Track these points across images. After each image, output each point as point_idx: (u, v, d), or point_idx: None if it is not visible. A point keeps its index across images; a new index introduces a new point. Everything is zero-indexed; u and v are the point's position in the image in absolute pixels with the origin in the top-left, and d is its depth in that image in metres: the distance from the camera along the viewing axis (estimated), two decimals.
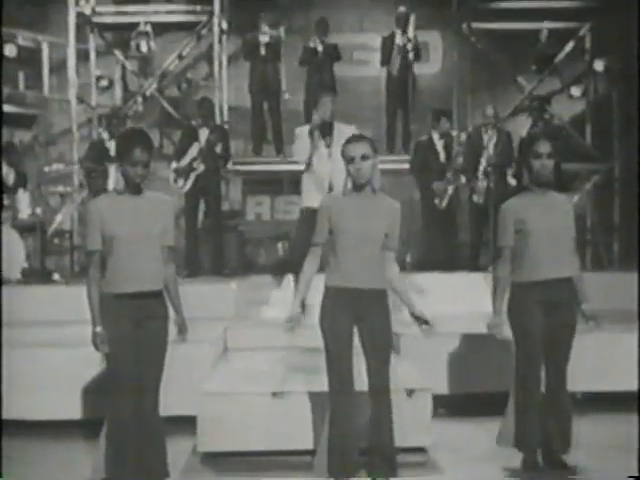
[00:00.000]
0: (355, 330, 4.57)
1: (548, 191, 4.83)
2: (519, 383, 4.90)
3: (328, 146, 7.02)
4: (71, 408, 5.89)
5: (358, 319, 4.54)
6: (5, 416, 5.41)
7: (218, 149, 8.88)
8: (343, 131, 7.01)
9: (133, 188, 4.35)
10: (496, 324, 4.85)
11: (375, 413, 4.55)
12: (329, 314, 4.54)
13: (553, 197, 4.86)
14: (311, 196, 6.97)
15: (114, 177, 4.16)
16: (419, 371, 5.66)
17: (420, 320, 4.60)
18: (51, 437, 5.79)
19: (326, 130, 7.07)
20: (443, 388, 6.23)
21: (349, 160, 4.48)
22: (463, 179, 9.23)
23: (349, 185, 4.55)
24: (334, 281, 4.54)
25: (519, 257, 4.83)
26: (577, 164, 10.73)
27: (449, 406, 6.16)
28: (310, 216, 6.98)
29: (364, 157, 4.45)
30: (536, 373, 4.82)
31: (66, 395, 5.87)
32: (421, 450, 5.21)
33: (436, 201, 9.20)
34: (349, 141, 4.55)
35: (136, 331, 4.34)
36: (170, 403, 5.65)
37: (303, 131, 7.18)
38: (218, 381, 5.68)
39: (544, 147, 4.75)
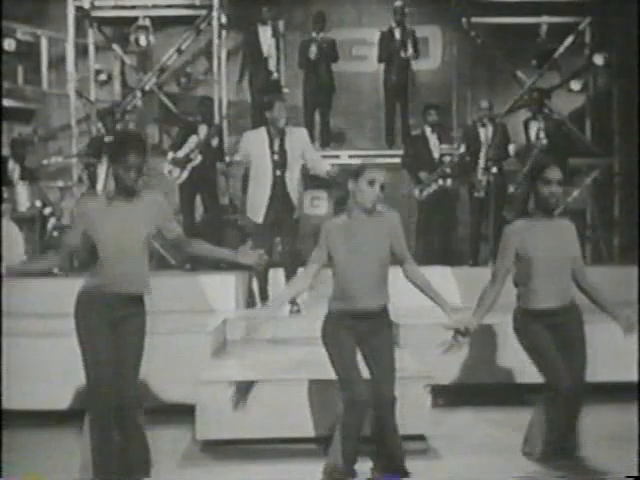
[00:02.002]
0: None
1: (553, 217, 4.79)
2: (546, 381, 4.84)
3: (280, 154, 7.01)
4: (71, 398, 5.88)
5: (360, 340, 4.52)
6: (5, 406, 5.40)
7: (215, 142, 8.93)
8: (295, 134, 7.10)
9: (125, 192, 4.30)
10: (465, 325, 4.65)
11: (380, 422, 4.52)
12: (331, 336, 4.53)
13: (558, 224, 4.82)
14: (258, 210, 7.07)
15: (103, 178, 4.09)
16: (418, 361, 5.66)
17: (456, 330, 4.61)
18: (51, 427, 5.79)
19: (278, 136, 7.05)
20: (442, 378, 6.22)
21: (370, 182, 4.41)
22: (448, 170, 9.24)
23: (353, 207, 4.49)
24: (336, 305, 4.53)
25: (522, 284, 4.83)
26: (577, 159, 10.68)
27: (448, 396, 6.16)
28: (260, 231, 7.08)
29: (382, 187, 4.42)
30: (558, 372, 4.72)
31: (66, 385, 5.86)
32: (421, 438, 5.23)
33: (416, 191, 9.24)
34: (370, 165, 4.51)
35: (113, 330, 4.31)
36: (170, 392, 5.69)
37: (251, 136, 7.19)
38: (216, 370, 5.69)
39: (554, 174, 4.68)
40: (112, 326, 4.31)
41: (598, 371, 6.05)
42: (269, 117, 7.06)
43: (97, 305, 4.29)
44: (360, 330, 4.50)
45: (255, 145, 7.13)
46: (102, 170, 4.04)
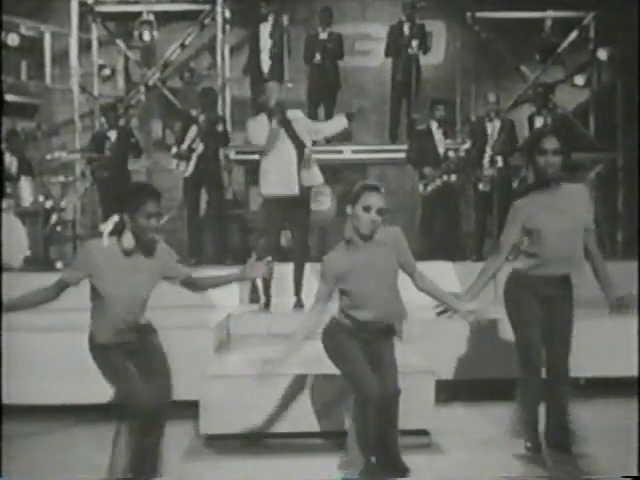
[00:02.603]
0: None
1: (559, 186, 4.68)
2: (521, 372, 4.89)
3: (286, 129, 6.97)
4: (70, 392, 5.88)
5: (367, 353, 4.45)
6: (5, 401, 5.40)
7: (219, 128, 8.94)
8: (294, 114, 7.10)
9: (145, 245, 4.20)
10: (469, 311, 4.58)
11: (383, 416, 4.45)
12: (334, 338, 4.47)
13: (565, 191, 4.70)
14: (272, 183, 6.96)
15: (108, 232, 4.00)
16: (422, 356, 5.66)
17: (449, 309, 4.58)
18: (50, 421, 5.80)
19: (280, 114, 6.99)
20: (446, 374, 6.23)
21: (365, 209, 4.26)
22: (452, 166, 9.21)
23: (352, 234, 4.35)
24: (343, 319, 4.45)
25: (530, 253, 4.77)
26: (580, 154, 10.67)
27: (452, 391, 6.15)
28: (274, 204, 7.03)
29: (380, 211, 4.27)
30: (535, 362, 4.78)
31: (65, 379, 5.86)
32: (424, 433, 5.23)
33: (420, 186, 9.22)
34: (367, 189, 4.30)
35: (132, 357, 4.31)
36: (174, 388, 5.68)
37: (256, 119, 7.11)
38: (220, 365, 5.69)
39: (550, 143, 4.59)
40: (131, 354, 4.30)
41: (598, 366, 6.11)
42: (262, 100, 7.14)
43: (110, 345, 4.27)
44: (363, 339, 4.44)
45: (260, 130, 7.05)
46: (107, 227, 3.96)
